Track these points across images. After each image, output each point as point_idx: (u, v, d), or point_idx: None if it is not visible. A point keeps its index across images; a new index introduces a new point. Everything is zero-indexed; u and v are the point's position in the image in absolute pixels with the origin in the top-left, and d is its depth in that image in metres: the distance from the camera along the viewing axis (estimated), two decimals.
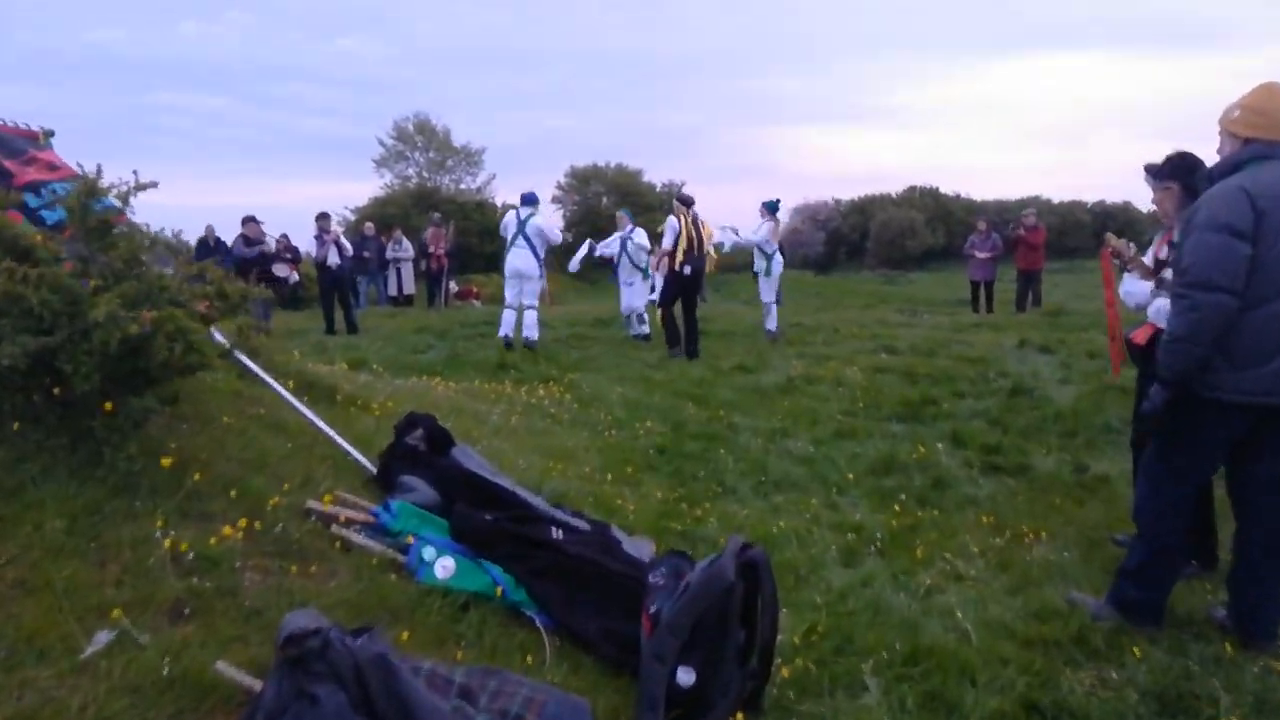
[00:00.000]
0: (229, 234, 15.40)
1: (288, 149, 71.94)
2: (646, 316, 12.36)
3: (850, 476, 5.97)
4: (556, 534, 3.75)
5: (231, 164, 70.11)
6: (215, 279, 3.35)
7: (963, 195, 42.63)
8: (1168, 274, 4.09)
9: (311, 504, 3.40)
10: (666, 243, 10.64)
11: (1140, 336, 4.47)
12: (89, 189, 2.99)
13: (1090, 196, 42.63)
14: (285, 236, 17.81)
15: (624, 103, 73.57)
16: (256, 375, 4.03)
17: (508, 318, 10.92)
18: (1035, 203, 35.91)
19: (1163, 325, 4.27)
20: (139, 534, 2.83)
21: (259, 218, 14.20)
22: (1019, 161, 72.57)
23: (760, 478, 5.96)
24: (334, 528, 3.35)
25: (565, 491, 4.89)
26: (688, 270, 10.47)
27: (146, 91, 67.32)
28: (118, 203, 3.11)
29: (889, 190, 43.35)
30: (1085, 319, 13.18)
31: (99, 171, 3.11)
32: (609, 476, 5.54)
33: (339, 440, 4.08)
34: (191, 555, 2.78)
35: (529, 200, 11.23)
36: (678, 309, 10.75)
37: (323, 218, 14.19)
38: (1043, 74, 78.12)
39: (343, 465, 4.09)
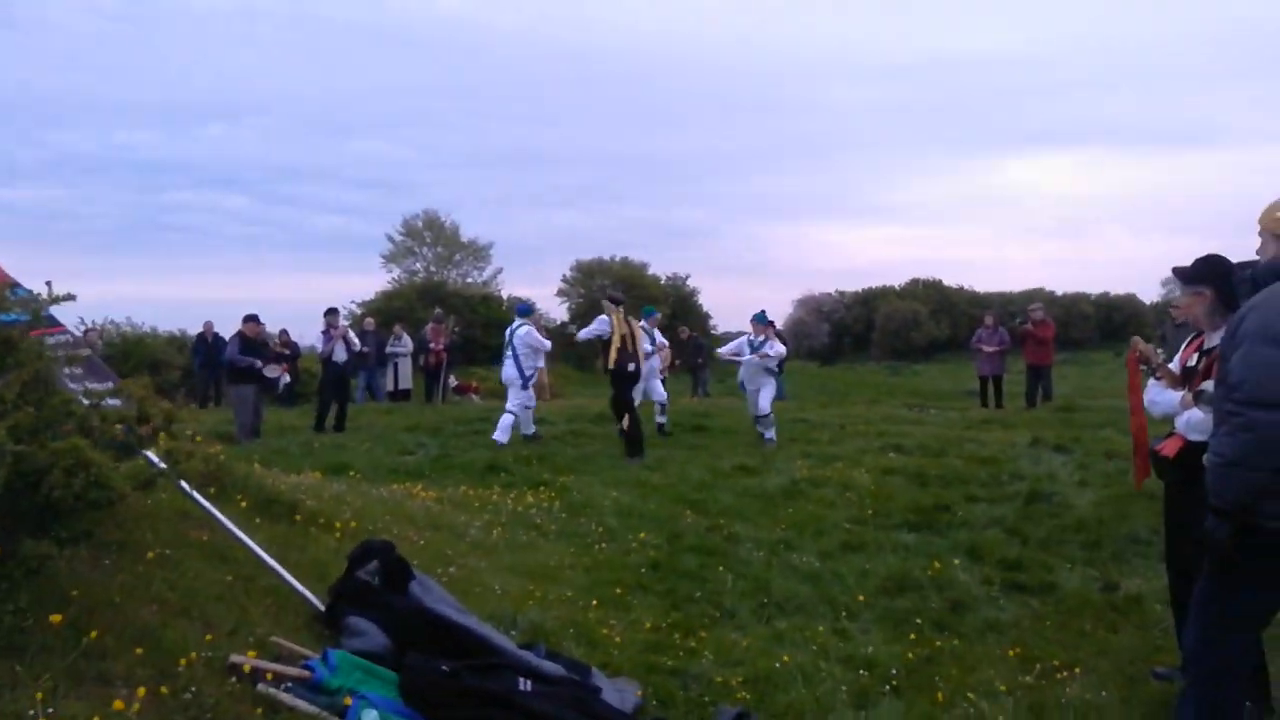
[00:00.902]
0: (232, 328, 15.08)
1: (298, 245, 73.04)
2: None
3: (860, 597, 5.47)
4: (525, 685, 3.28)
5: (242, 259, 71.05)
6: (137, 398, 2.97)
7: (966, 287, 42.69)
8: (1208, 385, 3.70)
9: (235, 658, 2.95)
10: (583, 335, 11.20)
11: (1169, 449, 4.09)
12: None
13: (1094, 289, 42.58)
14: (285, 332, 17.66)
15: (631, 200, 74.90)
16: (197, 501, 3.62)
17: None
18: (1039, 295, 35.90)
19: (1193, 438, 3.89)
20: (14, 708, 2.38)
21: (259, 316, 13.90)
22: (1021, 255, 73.13)
23: (762, 599, 5.46)
24: (260, 686, 2.89)
25: (543, 623, 4.41)
26: (630, 368, 10.28)
27: (166, 190, 68.73)
28: (24, 316, 2.76)
29: (892, 283, 43.46)
30: (1098, 416, 12.77)
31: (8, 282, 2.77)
32: (594, 601, 5.05)
33: (284, 574, 3.64)
34: None
35: (521, 311, 12.28)
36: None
37: (331, 313, 14.03)
38: (1043, 170, 79.58)
39: (287, 602, 3.64)
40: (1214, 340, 3.92)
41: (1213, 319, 3.95)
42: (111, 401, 3.11)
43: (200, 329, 18.88)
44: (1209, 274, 3.94)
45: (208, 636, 3.06)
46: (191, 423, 6.16)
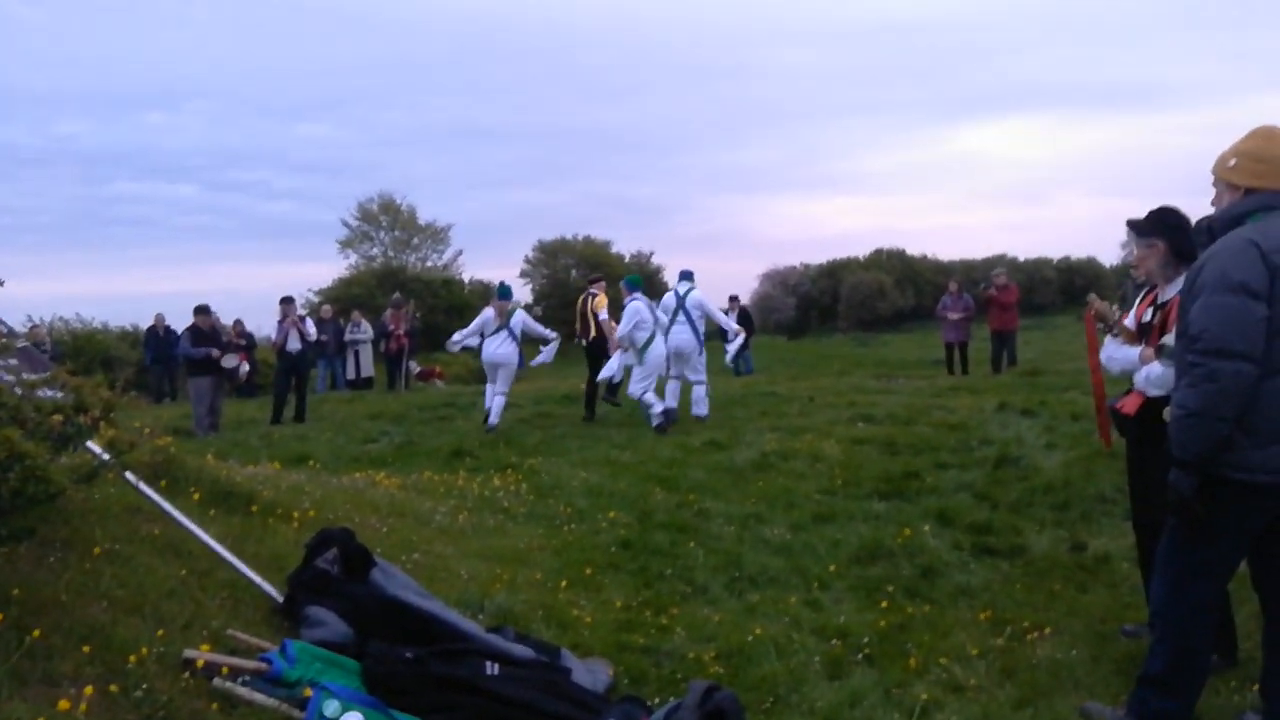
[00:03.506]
0: (187, 321, 14.69)
1: (251, 234, 70.99)
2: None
3: (832, 568, 5.45)
4: (493, 669, 3.20)
5: (194, 250, 69.02)
6: (73, 386, 2.83)
7: (929, 256, 42.93)
8: (1168, 339, 3.69)
9: (189, 653, 2.84)
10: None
11: (1129, 406, 4.08)
12: None
13: (1055, 253, 42.98)
14: (239, 322, 17.31)
15: (590, 176, 74.01)
16: (144, 493, 3.48)
17: (673, 387, 11.01)
18: (1002, 261, 36.16)
19: (1153, 393, 3.88)
20: None
21: (212, 306, 13.51)
22: (983, 221, 73.53)
23: (734, 573, 5.43)
24: (215, 681, 2.79)
25: (511, 606, 4.33)
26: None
27: (108, 182, 66.51)
28: None
29: (857, 253, 43.60)
30: (1063, 379, 12.90)
31: None
32: (564, 582, 4.98)
33: (239, 565, 3.53)
34: None
35: (688, 276, 11.35)
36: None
37: (286, 301, 13.74)
38: (1001, 135, 79.97)
39: (244, 595, 3.52)
40: (1168, 293, 3.92)
41: (1166, 271, 3.94)
42: (48, 392, 2.97)
43: (151, 322, 18.48)
44: (1162, 226, 3.92)
45: (160, 632, 2.94)
46: (147, 418, 6.02)
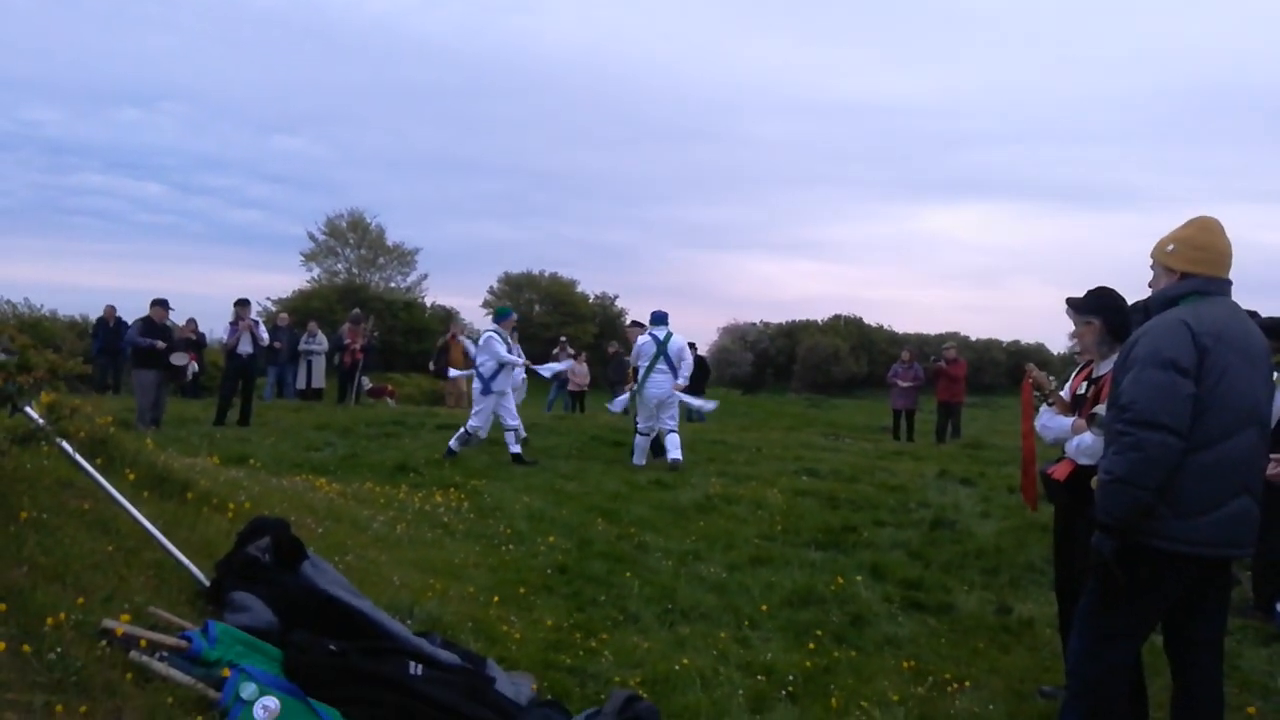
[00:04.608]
0: (138, 315, 14.37)
1: (216, 239, 70.24)
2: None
3: (764, 608, 5.50)
4: (416, 669, 3.18)
5: (155, 248, 67.99)
6: (21, 347, 2.81)
7: (885, 326, 43.81)
8: (1101, 409, 3.84)
9: (108, 623, 2.79)
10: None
11: (1060, 472, 4.23)
12: None
13: (1006, 336, 44.18)
14: (193, 321, 17.00)
15: (560, 216, 74.59)
16: (76, 462, 3.43)
17: (642, 444, 10.55)
18: (954, 338, 36.99)
19: (1083, 461, 4.03)
20: None
21: (170, 303, 13.26)
22: (939, 299, 75.32)
23: (667, 605, 5.44)
24: (133, 653, 2.73)
25: (441, 615, 4.30)
26: None
27: (73, 172, 65.15)
28: None
29: (815, 317, 44.34)
30: (1004, 454, 13.18)
31: None
32: (496, 598, 4.95)
33: (166, 543, 3.47)
34: None
35: (663, 319, 10.72)
36: None
37: (241, 304, 13.61)
38: (961, 220, 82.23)
39: (170, 576, 3.47)
40: (1103, 368, 4.10)
41: (1101, 348, 4.13)
42: None
43: (101, 313, 18.10)
44: (1099, 305, 4.13)
45: (80, 600, 2.89)
46: (89, 405, 5.89)
